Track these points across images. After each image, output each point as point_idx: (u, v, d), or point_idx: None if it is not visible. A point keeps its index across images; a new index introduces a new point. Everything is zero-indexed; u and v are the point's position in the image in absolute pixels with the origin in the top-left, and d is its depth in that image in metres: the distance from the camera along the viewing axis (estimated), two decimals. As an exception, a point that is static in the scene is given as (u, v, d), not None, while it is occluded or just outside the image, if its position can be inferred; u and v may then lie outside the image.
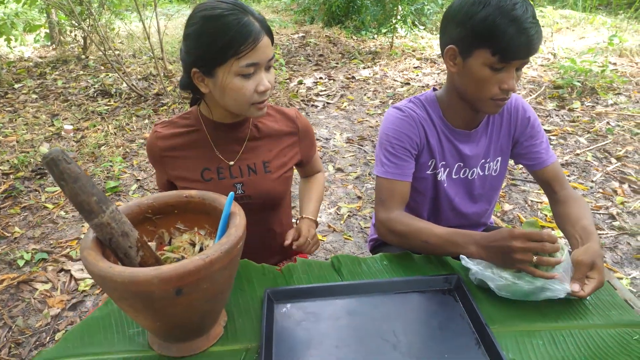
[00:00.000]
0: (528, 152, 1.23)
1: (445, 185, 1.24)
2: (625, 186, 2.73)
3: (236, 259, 0.79)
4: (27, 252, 2.25)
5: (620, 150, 3.13)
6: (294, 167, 1.30)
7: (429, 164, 1.21)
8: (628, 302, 0.97)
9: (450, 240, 1.03)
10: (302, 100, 4.34)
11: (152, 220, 0.93)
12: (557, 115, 3.76)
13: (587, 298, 0.97)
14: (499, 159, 1.25)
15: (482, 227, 1.42)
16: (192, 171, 1.15)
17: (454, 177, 1.24)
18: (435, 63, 5.31)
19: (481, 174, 1.25)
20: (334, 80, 4.91)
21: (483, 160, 1.24)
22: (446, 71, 1.17)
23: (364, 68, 5.28)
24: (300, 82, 4.80)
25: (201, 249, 0.91)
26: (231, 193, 0.83)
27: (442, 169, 1.22)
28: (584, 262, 0.94)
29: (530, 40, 0.96)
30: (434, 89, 1.23)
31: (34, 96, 4.54)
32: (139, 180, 2.99)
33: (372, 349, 0.85)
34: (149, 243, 0.92)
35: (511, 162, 3.03)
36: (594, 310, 0.94)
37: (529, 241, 0.91)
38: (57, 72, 5.25)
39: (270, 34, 1.02)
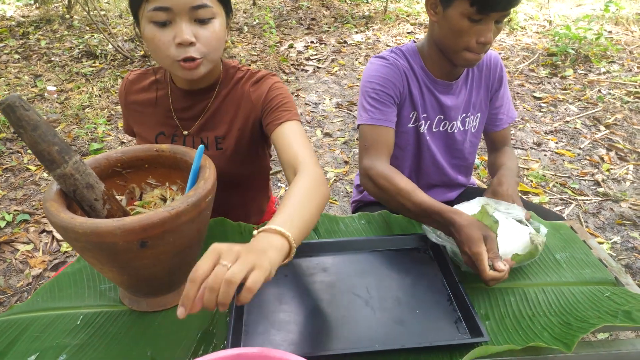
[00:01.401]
0: (492, 114, 1.28)
1: (427, 137, 1.23)
2: (612, 153, 2.73)
3: (205, 212, 0.78)
4: (9, 214, 2.22)
5: (610, 118, 3.12)
6: (264, 147, 1.14)
7: (411, 116, 1.20)
8: (602, 261, 0.98)
9: (429, 216, 0.94)
10: (292, 65, 4.25)
11: (122, 175, 0.91)
12: (549, 83, 3.72)
13: (559, 256, 0.98)
14: (478, 115, 1.26)
15: (462, 188, 1.41)
16: (148, 131, 1.10)
17: (434, 130, 1.23)
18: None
19: (462, 128, 1.25)
20: (325, 44, 4.80)
21: (464, 115, 1.24)
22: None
23: (357, 33, 5.16)
24: (290, 46, 4.69)
25: (172, 204, 0.89)
26: (201, 146, 0.81)
27: (424, 121, 1.21)
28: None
29: None
30: (414, 41, 1.22)
31: (16, 56, 4.40)
32: (123, 142, 2.94)
33: (344, 305, 0.84)
34: (119, 198, 0.90)
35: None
36: (567, 268, 0.94)
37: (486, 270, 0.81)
38: (40, 32, 5.08)
39: None
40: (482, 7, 0.96)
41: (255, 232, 0.70)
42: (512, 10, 1.01)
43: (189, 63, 0.90)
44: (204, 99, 1.07)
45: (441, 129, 1.24)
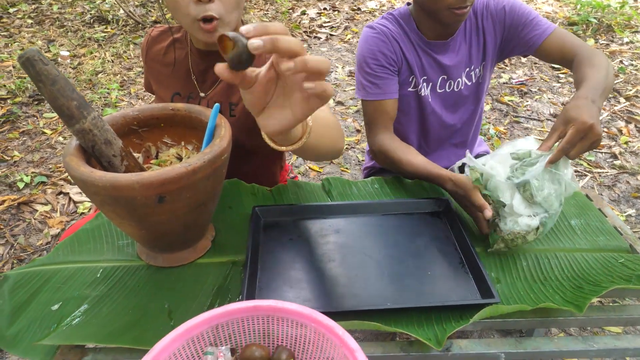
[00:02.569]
0: (520, 39, 1.15)
1: (430, 100, 1.22)
2: (632, 126, 2.67)
3: (221, 170, 0.78)
4: (27, 175, 2.26)
5: (631, 90, 3.04)
6: None
7: (410, 80, 1.19)
8: (617, 229, 0.97)
9: (427, 177, 1.04)
10: (304, 32, 4.18)
11: (139, 133, 0.92)
12: (569, 53, 3.62)
13: (574, 222, 0.97)
14: (483, 64, 1.22)
15: (477, 144, 1.42)
16: (164, 90, 1.10)
17: (439, 91, 1.22)
18: (446, -5, 5.05)
19: (468, 83, 1.23)
20: (338, 11, 4.70)
21: (468, 69, 1.21)
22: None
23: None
24: (303, 13, 4.60)
25: (188, 163, 0.89)
26: (216, 105, 0.81)
27: (425, 84, 1.20)
28: (554, 126, 0.85)
29: None
30: (408, 4, 1.19)
31: (29, 21, 4.39)
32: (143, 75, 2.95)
33: (355, 265, 0.86)
34: (136, 155, 0.91)
35: (515, 98, 2.95)
36: (581, 235, 0.94)
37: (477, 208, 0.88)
38: (52, -4, 5.03)
39: None
40: None
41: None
42: None
43: (207, 24, 0.89)
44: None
45: (447, 89, 1.22)
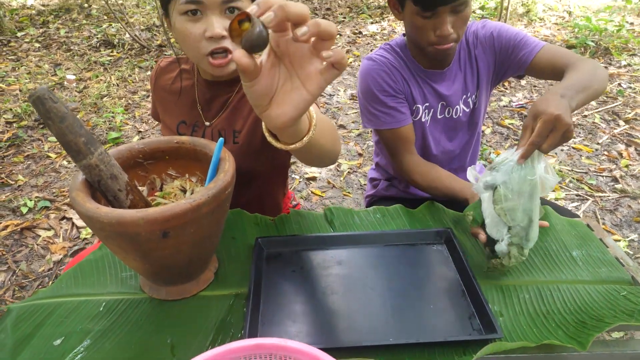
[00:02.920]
0: (511, 60, 1.16)
1: (430, 126, 1.24)
2: (632, 149, 2.69)
3: (224, 204, 0.79)
4: (30, 200, 2.28)
5: (630, 113, 3.06)
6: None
7: (413, 109, 1.22)
8: (619, 260, 0.97)
9: (453, 196, 1.12)
10: (307, 55, 4.24)
11: (144, 166, 0.93)
12: (568, 76, 3.66)
13: (575, 253, 0.97)
14: (479, 90, 1.25)
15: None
16: (171, 119, 1.13)
17: (439, 117, 1.24)
18: (446, 19, 5.14)
19: (466, 110, 1.25)
20: (340, 35, 4.78)
21: (465, 96, 1.23)
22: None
23: (372, 23, 5.12)
24: (306, 37, 4.68)
25: (192, 196, 0.91)
26: (220, 139, 0.82)
27: (427, 110, 1.23)
28: (524, 124, 0.83)
29: None
30: (404, 34, 1.22)
31: (37, 45, 4.47)
32: (140, 132, 2.98)
33: (358, 298, 0.86)
34: (140, 188, 0.92)
35: (516, 121, 2.97)
36: (583, 266, 0.94)
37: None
38: (59, 21, 5.14)
39: None
40: (425, 5, 0.99)
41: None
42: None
43: (219, 60, 0.91)
44: (228, 91, 1.08)
45: (446, 114, 1.24)
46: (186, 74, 1.13)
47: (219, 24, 0.88)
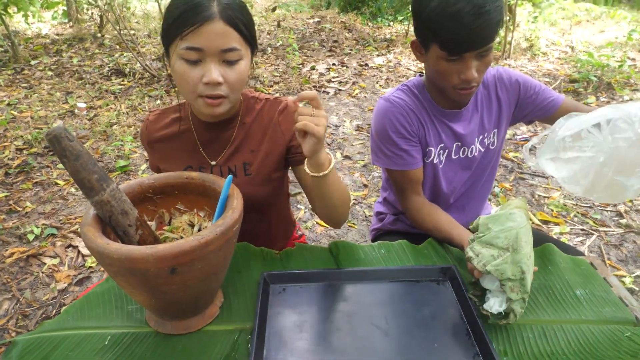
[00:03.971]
0: (535, 106, 1.23)
1: (442, 166, 1.25)
2: (636, 184, 2.69)
3: (232, 240, 0.81)
4: (37, 227, 2.30)
5: (634, 148, 3.08)
6: (286, 167, 1.16)
7: (426, 151, 1.23)
8: (623, 299, 0.97)
9: (450, 242, 1.12)
10: (314, 86, 4.33)
11: (153, 200, 0.95)
12: (571, 110, 3.70)
13: (579, 292, 0.97)
14: (495, 131, 1.26)
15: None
16: (175, 166, 1.12)
17: (453, 157, 1.25)
18: (450, 53, 5.24)
19: (482, 150, 1.26)
20: (347, 67, 4.88)
21: (482, 136, 1.25)
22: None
23: (378, 55, 5.23)
24: (312, 68, 4.78)
25: (200, 230, 0.92)
26: (229, 176, 0.85)
27: (442, 151, 1.24)
28: None
29: (473, 33, 0.97)
30: (420, 75, 1.24)
31: (50, 73, 4.59)
32: (148, 160, 3.03)
33: (363, 335, 0.86)
34: (149, 222, 0.94)
35: (520, 155, 3.00)
36: (587, 306, 0.94)
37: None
38: (72, 50, 5.29)
39: (234, 24, 0.91)
40: (452, 50, 1.00)
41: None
42: (493, 44, 1.02)
43: (212, 100, 0.95)
44: (228, 128, 1.11)
45: (461, 155, 1.25)
46: (182, 120, 1.13)
47: (216, 72, 0.91)
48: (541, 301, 0.95)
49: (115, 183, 0.79)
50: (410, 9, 5.87)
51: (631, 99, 3.82)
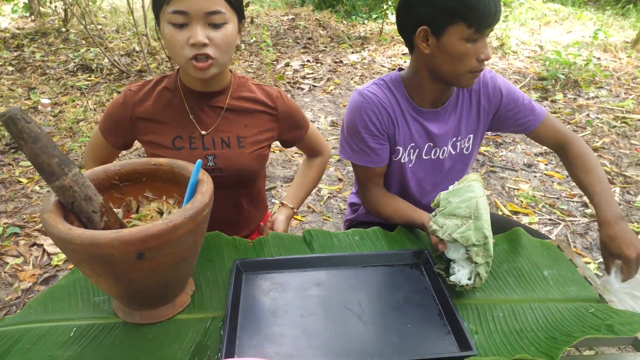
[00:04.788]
0: (515, 120, 1.22)
1: (412, 166, 1.24)
2: (600, 176, 2.78)
3: (201, 225, 0.79)
4: None
5: (598, 142, 3.18)
6: (270, 147, 1.24)
7: (395, 149, 1.21)
8: (587, 279, 1.00)
9: (411, 225, 1.15)
10: (288, 83, 4.31)
11: (120, 188, 0.92)
12: (538, 105, 3.80)
13: (547, 273, 1.00)
14: (471, 136, 1.25)
15: None
16: (164, 137, 1.11)
17: (424, 157, 1.24)
18: (422, 50, 5.30)
19: (453, 152, 1.25)
20: (321, 63, 4.88)
21: (455, 139, 1.23)
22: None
23: (353, 53, 5.25)
24: (287, 65, 4.76)
25: (169, 218, 0.90)
26: (199, 160, 0.83)
27: (412, 150, 1.22)
28: (604, 256, 1.02)
29: (497, 6, 1.00)
30: (400, 69, 1.22)
31: (10, 68, 4.42)
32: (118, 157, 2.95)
33: (336, 319, 0.86)
34: (116, 210, 0.91)
35: (490, 148, 3.06)
36: (554, 285, 0.97)
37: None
38: (35, 45, 5.11)
39: None
40: (480, 26, 0.99)
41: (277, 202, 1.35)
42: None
43: (201, 63, 0.98)
44: (219, 99, 1.13)
45: (432, 156, 1.24)
46: (170, 90, 1.12)
47: (201, 33, 0.95)
48: (511, 282, 0.97)
49: (78, 168, 0.77)
50: (385, 6, 5.87)
51: (596, 96, 3.95)
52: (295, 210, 1.30)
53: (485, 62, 1.07)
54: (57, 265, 2.00)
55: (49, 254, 2.06)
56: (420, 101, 1.18)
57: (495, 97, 1.21)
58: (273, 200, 2.55)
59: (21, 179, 2.66)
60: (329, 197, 2.59)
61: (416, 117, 1.19)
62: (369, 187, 1.25)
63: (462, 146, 1.26)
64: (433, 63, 1.09)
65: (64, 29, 5.63)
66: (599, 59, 4.88)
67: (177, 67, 1.12)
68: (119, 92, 3.93)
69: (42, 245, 2.10)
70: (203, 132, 1.12)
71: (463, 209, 0.90)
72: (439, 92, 1.16)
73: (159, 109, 1.12)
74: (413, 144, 1.21)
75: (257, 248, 1.06)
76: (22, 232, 2.20)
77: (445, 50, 1.04)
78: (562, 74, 4.22)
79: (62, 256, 2.04)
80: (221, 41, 0.98)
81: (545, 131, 1.23)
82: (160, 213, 0.93)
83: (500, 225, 1.26)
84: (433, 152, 1.24)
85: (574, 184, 2.68)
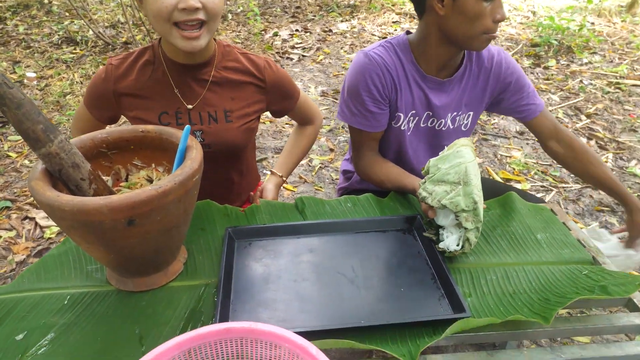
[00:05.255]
0: (517, 106, 1.22)
1: (410, 134, 1.22)
2: (593, 142, 2.79)
3: (192, 192, 0.78)
4: (-10, 201, 2.19)
5: (591, 108, 3.18)
6: (259, 118, 1.22)
7: (395, 115, 1.19)
8: (581, 241, 1.01)
9: (402, 190, 1.14)
10: (277, 53, 4.22)
11: (108, 156, 0.90)
12: (532, 73, 3.76)
13: (540, 236, 1.00)
14: (471, 113, 1.23)
15: None
16: (149, 113, 1.08)
17: (422, 125, 1.22)
18: (414, 18, 5.21)
19: (451, 127, 1.23)
20: (310, 33, 4.77)
21: (455, 113, 1.21)
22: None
23: (342, 21, 5.14)
24: (275, 34, 4.66)
25: (159, 185, 0.89)
26: (187, 126, 0.81)
27: (411, 118, 1.20)
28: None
29: None
30: (407, 32, 1.19)
31: (-6, 42, 4.29)
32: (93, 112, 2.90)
33: (329, 283, 0.86)
34: (105, 179, 0.90)
35: (483, 116, 3.04)
36: (547, 248, 0.97)
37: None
38: (18, 18, 4.95)
39: None
40: None
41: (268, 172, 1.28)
42: None
43: (190, 32, 0.93)
44: (204, 72, 1.08)
45: (429, 124, 1.22)
46: (153, 64, 1.08)
47: None
48: (504, 245, 0.98)
49: (64, 135, 0.75)
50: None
51: (590, 62, 3.92)
52: (285, 179, 1.29)
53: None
54: (49, 238, 1.99)
55: (41, 227, 2.05)
56: (426, 67, 1.15)
57: (506, 79, 1.19)
58: (264, 172, 2.53)
59: (10, 153, 2.61)
60: (320, 167, 2.57)
61: (420, 83, 1.16)
62: (363, 151, 1.23)
63: (461, 122, 1.24)
64: (447, 25, 1.05)
65: (46, 1, 5.45)
66: (592, 23, 4.82)
67: (159, 37, 1.06)
68: (105, 65, 3.84)
69: (34, 218, 2.09)
70: (189, 107, 1.08)
71: (452, 174, 0.89)
72: (448, 57, 1.12)
73: (142, 83, 1.07)
74: (414, 111, 1.19)
75: (248, 216, 1.05)
76: (14, 206, 2.18)
77: (461, 10, 1.01)
78: (555, 39, 4.17)
79: (55, 229, 2.03)
80: (213, 4, 0.93)
81: (544, 120, 1.23)
82: (150, 181, 0.91)
83: (495, 190, 1.26)
84: (430, 121, 1.22)
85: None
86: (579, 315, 1.42)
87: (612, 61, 3.96)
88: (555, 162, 2.38)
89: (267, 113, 1.24)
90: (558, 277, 0.89)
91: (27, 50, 4.12)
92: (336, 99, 3.38)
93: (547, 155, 2.62)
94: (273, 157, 2.67)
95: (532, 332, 0.79)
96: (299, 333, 0.60)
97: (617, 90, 3.44)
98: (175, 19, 0.91)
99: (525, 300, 0.83)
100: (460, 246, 0.89)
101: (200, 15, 0.92)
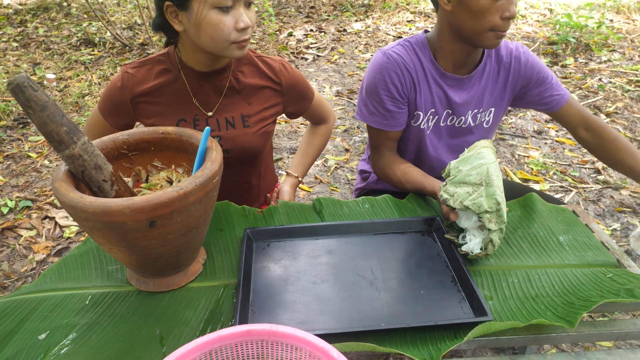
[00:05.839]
0: (541, 98, 1.20)
1: (430, 133, 1.21)
2: (613, 142, 2.73)
3: (212, 193, 0.78)
4: (11, 200, 2.23)
5: (611, 107, 3.12)
6: (275, 121, 1.22)
7: (414, 114, 1.18)
8: (604, 244, 0.99)
9: (422, 193, 1.13)
10: (291, 53, 4.23)
11: (128, 157, 0.91)
12: (550, 72, 3.71)
13: (562, 239, 0.98)
14: (492, 110, 1.21)
15: None
16: (167, 120, 1.08)
17: (442, 124, 1.21)
18: (429, 17, 5.17)
19: (472, 124, 1.21)
20: (325, 32, 4.77)
21: (476, 110, 1.20)
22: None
23: (356, 21, 5.13)
24: (290, 34, 4.67)
25: (179, 186, 0.89)
26: (207, 128, 0.81)
27: (431, 116, 1.19)
28: None
29: None
30: (426, 31, 1.18)
31: (15, 44, 4.38)
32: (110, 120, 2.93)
33: (348, 285, 0.85)
34: (126, 179, 0.91)
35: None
36: (570, 251, 0.95)
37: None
38: (38, 20, 5.04)
39: None
40: None
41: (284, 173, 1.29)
42: None
43: (244, 42, 0.98)
44: (221, 78, 1.09)
45: (448, 123, 1.21)
46: (170, 72, 1.08)
47: (245, 16, 0.95)
48: (525, 248, 0.96)
49: (87, 137, 0.75)
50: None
51: (609, 60, 3.85)
52: (301, 179, 1.30)
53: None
54: (69, 238, 2.02)
55: (60, 227, 2.08)
56: (444, 64, 1.14)
57: (526, 73, 1.17)
58: (280, 172, 2.54)
59: (30, 154, 2.66)
60: (335, 167, 2.57)
61: (439, 81, 1.15)
62: (381, 151, 1.23)
63: (483, 119, 1.22)
64: (455, 21, 1.05)
65: (65, 3, 5.54)
66: (611, 21, 4.73)
67: (173, 45, 1.08)
68: (122, 66, 3.88)
69: (54, 218, 2.12)
70: (209, 114, 1.09)
71: (474, 176, 0.88)
72: (463, 54, 1.11)
73: (159, 91, 1.08)
74: (433, 110, 1.19)
75: (266, 217, 1.05)
76: (34, 206, 2.22)
77: (467, 5, 1.00)
78: (573, 37, 4.10)
79: (74, 228, 2.06)
80: (254, 21, 0.99)
81: (571, 110, 1.20)
82: (170, 182, 0.92)
83: (514, 191, 1.25)
84: (450, 119, 1.21)
85: (585, 150, 2.64)
86: (601, 319, 1.39)
87: (631, 59, 3.88)
88: (573, 162, 2.33)
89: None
90: (582, 280, 0.87)
91: (47, 52, 4.19)
92: (351, 99, 3.37)
93: (565, 155, 2.59)
94: (288, 157, 2.67)
95: (556, 337, 0.78)
96: (319, 335, 0.60)
97: (638, 88, 3.37)
98: (234, 39, 0.95)
99: (549, 303, 0.81)
100: (483, 248, 0.88)
101: (249, 34, 0.98)
